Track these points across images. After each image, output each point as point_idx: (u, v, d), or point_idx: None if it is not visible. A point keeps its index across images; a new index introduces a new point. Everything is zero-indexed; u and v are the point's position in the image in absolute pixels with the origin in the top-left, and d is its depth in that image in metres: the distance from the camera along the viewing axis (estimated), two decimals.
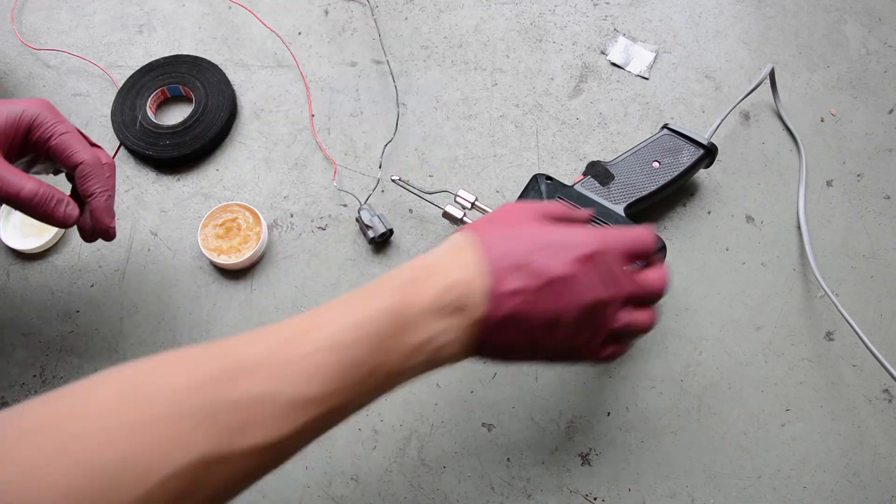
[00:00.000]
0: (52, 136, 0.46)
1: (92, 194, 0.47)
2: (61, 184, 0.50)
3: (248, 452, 0.31)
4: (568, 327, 0.38)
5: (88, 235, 0.49)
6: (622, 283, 0.39)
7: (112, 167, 0.48)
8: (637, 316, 0.41)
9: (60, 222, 0.46)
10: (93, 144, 0.48)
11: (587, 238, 0.39)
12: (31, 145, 0.46)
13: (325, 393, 0.33)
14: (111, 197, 0.48)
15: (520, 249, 0.38)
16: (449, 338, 0.37)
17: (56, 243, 0.60)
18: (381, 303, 0.35)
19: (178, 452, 0.29)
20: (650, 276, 0.42)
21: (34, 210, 0.44)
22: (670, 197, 0.61)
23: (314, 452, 0.53)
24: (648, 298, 0.42)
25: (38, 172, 0.49)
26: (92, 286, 0.59)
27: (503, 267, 0.37)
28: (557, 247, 0.38)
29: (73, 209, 0.46)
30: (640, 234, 0.41)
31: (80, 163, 0.46)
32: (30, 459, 0.28)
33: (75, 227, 0.48)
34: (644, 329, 0.41)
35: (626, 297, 0.40)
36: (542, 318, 0.37)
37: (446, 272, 0.37)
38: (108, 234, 0.49)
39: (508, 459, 0.53)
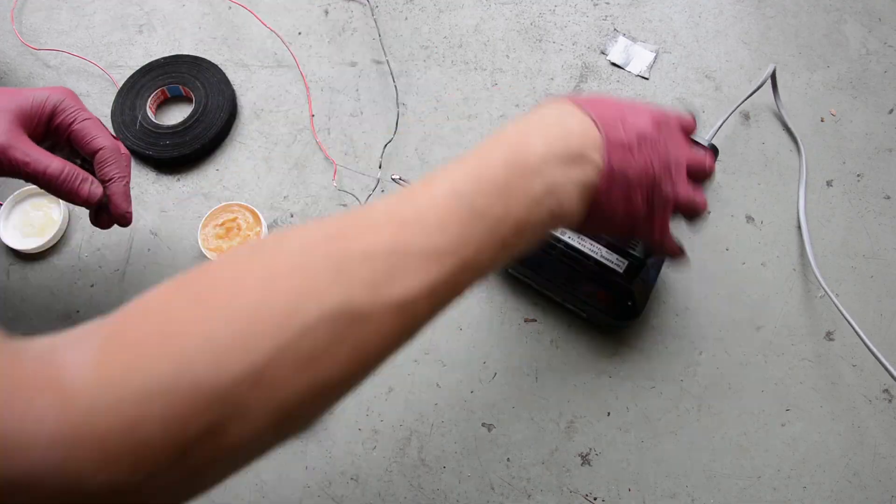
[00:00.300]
0: (74, 121, 0.47)
1: (111, 179, 0.48)
2: None
3: (387, 307, 0.30)
4: (653, 184, 0.40)
5: (104, 222, 0.50)
6: (686, 147, 0.42)
7: (129, 157, 0.50)
8: (697, 193, 0.43)
9: (85, 200, 0.47)
10: (113, 137, 0.50)
11: (650, 107, 0.42)
12: (53, 130, 0.48)
13: (455, 243, 0.32)
14: (128, 183, 0.49)
15: (611, 111, 0.39)
16: (569, 189, 0.36)
17: (56, 243, 0.60)
18: (498, 153, 0.35)
19: (314, 301, 0.28)
20: (701, 152, 0.44)
21: (60, 187, 0.46)
22: None
23: (314, 452, 0.53)
24: (700, 171, 0.44)
25: None
26: (92, 286, 0.59)
27: (608, 120, 0.38)
28: (635, 109, 0.40)
29: (97, 188, 0.48)
30: (686, 115, 0.45)
31: (101, 148, 0.48)
32: (169, 311, 0.28)
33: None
34: (699, 207, 0.43)
35: (689, 161, 0.42)
36: (639, 169, 0.39)
37: (561, 121, 0.38)
38: (125, 219, 0.50)
39: (508, 459, 0.53)
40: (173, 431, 0.26)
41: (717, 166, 0.62)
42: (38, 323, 0.58)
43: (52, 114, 0.47)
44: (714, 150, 0.59)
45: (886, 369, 0.49)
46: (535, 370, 0.55)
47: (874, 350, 0.50)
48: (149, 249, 0.60)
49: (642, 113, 0.40)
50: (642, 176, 0.39)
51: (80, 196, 0.47)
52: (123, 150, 0.49)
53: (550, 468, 0.52)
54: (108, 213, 0.49)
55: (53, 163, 0.45)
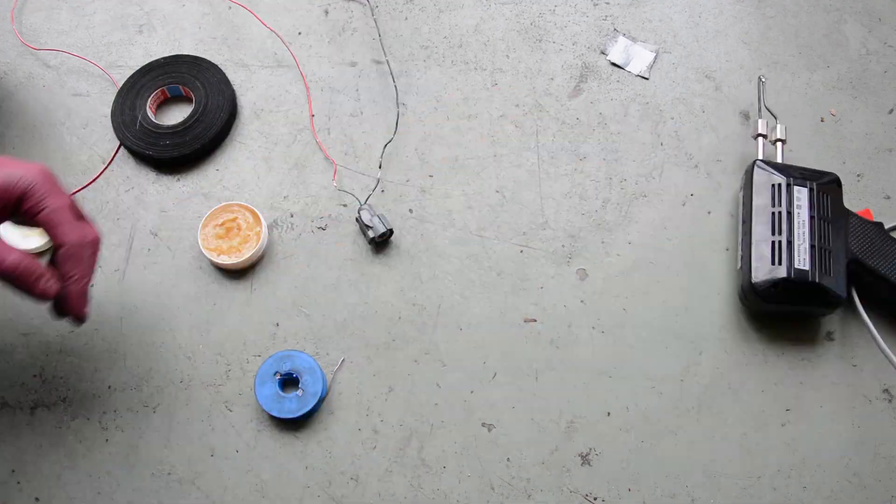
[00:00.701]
0: (42, 209, 0.45)
1: (70, 277, 0.46)
2: None
3: None
4: None
5: (59, 314, 0.48)
6: None
7: (96, 244, 0.47)
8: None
9: (39, 297, 0.46)
10: (81, 218, 0.47)
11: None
12: (23, 213, 0.46)
13: None
14: (88, 282, 0.48)
15: None
16: None
17: None
18: None
19: None
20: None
21: (14, 282, 0.45)
22: (670, 196, 0.61)
23: (314, 452, 0.53)
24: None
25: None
26: (92, 286, 0.59)
27: None
28: None
29: (52, 284, 0.46)
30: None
31: (64, 244, 0.46)
32: None
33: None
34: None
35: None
36: None
37: None
38: (80, 319, 0.48)
39: (508, 459, 0.53)
40: None
41: (718, 166, 0.62)
42: (38, 323, 0.58)
43: (22, 197, 0.45)
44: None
45: (891, 361, 0.49)
46: (535, 370, 0.55)
47: (880, 342, 0.50)
48: (149, 249, 0.60)
49: None
50: None
51: (34, 293, 0.45)
52: (92, 236, 0.47)
53: (550, 468, 0.52)
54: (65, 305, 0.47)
55: (11, 256, 0.44)
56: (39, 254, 0.60)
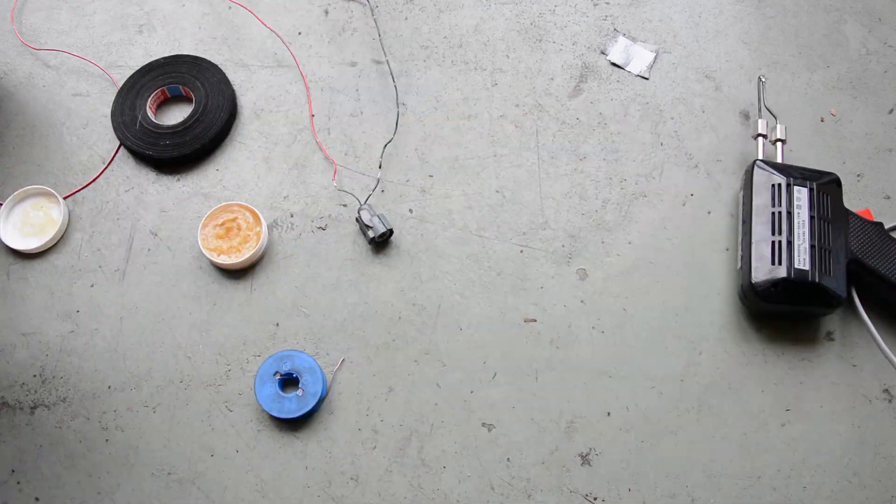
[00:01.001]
0: None
1: None
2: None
3: None
4: None
5: None
6: None
7: None
8: None
9: None
10: None
11: None
12: None
13: None
14: None
15: None
16: None
17: (56, 243, 0.60)
18: None
19: None
20: None
21: None
22: (670, 196, 0.61)
23: (314, 452, 0.53)
24: None
25: None
26: (92, 286, 0.59)
27: None
28: None
29: None
30: None
31: None
32: None
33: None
34: None
35: None
36: None
37: None
38: None
39: (508, 459, 0.53)
40: None
41: (718, 166, 0.62)
42: (38, 323, 0.58)
43: None
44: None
45: (890, 360, 0.49)
46: (535, 370, 0.55)
47: (882, 345, 0.50)
48: (149, 249, 0.60)
49: None
50: None
51: None
52: None
53: (550, 468, 0.52)
54: None
55: None
56: (39, 253, 0.60)
